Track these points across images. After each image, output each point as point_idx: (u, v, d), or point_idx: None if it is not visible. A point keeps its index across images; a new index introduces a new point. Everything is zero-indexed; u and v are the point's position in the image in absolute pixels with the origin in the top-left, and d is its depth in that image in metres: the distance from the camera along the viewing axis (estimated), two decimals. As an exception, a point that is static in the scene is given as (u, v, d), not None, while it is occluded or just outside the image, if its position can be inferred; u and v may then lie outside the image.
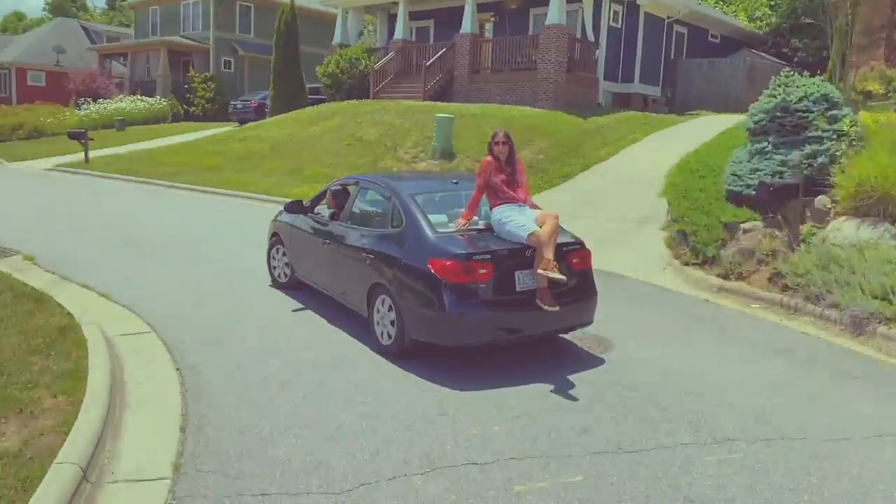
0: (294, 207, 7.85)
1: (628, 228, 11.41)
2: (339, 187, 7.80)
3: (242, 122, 27.85)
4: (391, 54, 23.57)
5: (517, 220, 5.84)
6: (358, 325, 6.73)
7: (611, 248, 10.49)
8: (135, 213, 13.74)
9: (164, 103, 32.76)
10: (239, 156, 19.57)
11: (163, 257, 9.80)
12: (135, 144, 25.42)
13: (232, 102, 30.89)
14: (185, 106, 33.73)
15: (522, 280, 5.75)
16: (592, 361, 6.15)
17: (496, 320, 5.75)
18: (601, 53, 22.27)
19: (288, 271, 8.17)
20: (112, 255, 9.86)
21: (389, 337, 6.07)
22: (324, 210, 7.75)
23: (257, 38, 36.24)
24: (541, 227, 5.73)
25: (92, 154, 23.16)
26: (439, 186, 7.29)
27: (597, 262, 9.85)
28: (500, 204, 6.05)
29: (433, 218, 6.18)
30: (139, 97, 33.13)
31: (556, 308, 5.60)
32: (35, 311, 6.61)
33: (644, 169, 14.96)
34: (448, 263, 5.58)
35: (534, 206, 6.25)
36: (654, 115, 20.99)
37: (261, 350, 6.22)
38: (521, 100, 20.53)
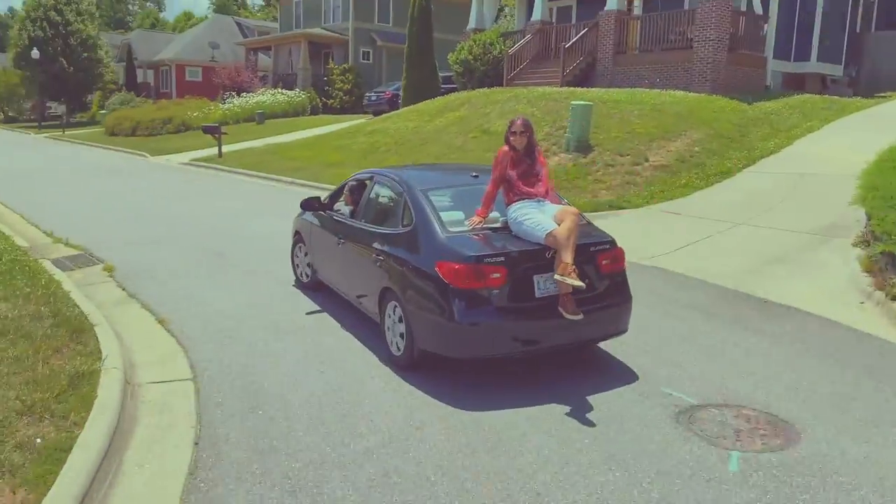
0: (310, 204, 7.39)
1: (807, 243, 9.05)
2: (355, 183, 7.19)
3: (377, 114, 27.16)
4: (527, 37, 21.75)
5: (534, 219, 5.26)
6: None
7: (784, 269, 8.25)
8: (241, 214, 12.93)
9: (303, 96, 32.75)
10: (363, 150, 18.55)
11: (244, 272, 8.71)
12: (270, 138, 25.29)
13: (366, 94, 30.38)
14: (323, 98, 33.62)
15: (542, 285, 5.12)
16: (766, 464, 4.18)
17: (512, 330, 5.10)
18: (770, 28, 19.27)
19: (309, 271, 7.73)
20: (196, 268, 8.89)
21: (400, 347, 5.54)
22: (344, 207, 7.16)
23: (395, 28, 35.53)
24: (559, 224, 5.11)
25: (227, 148, 23.22)
26: (457, 180, 6.52)
27: (765, 289, 7.75)
28: (516, 200, 5.48)
29: (449, 215, 5.62)
30: (279, 90, 33.35)
31: (580, 317, 4.96)
32: (62, 348, 5.56)
33: (825, 165, 12.33)
34: (457, 267, 5.01)
35: (557, 201, 5.66)
36: (836, 98, 17.89)
37: (296, 413, 4.79)
38: (673, 83, 18.11)
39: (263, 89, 34.48)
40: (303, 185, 16.33)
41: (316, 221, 7.45)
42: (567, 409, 4.86)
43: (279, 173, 17.98)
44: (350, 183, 7.28)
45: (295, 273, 8.13)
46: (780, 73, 19.97)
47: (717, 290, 7.77)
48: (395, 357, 5.64)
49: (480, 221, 5.51)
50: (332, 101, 33.64)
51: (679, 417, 4.74)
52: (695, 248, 9.35)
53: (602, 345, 6.02)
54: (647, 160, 13.21)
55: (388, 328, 5.72)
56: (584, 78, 20.13)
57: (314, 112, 32.53)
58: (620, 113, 15.29)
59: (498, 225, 5.54)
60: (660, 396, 5.06)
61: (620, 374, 5.46)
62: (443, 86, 24.97)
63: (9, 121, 54.65)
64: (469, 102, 19.07)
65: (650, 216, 11.13)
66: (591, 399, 5.00)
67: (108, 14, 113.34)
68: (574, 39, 20.05)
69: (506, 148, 5.62)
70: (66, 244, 10.07)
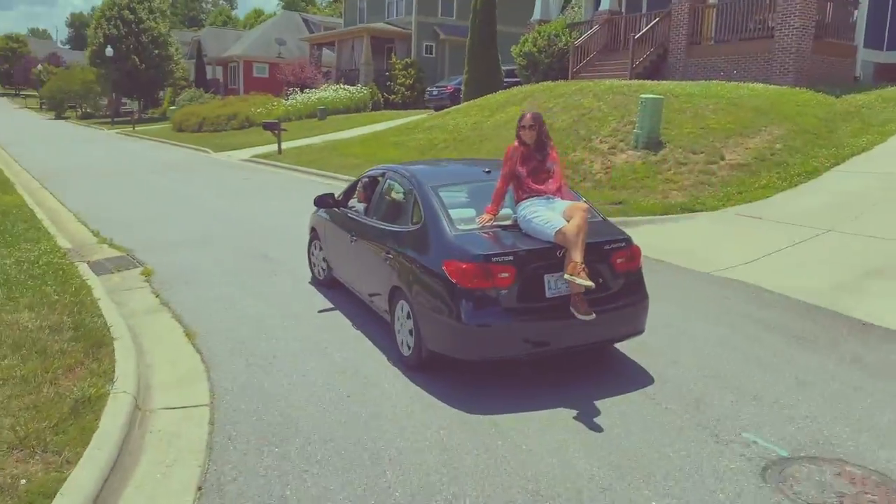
0: (324, 201, 7.33)
1: (911, 254, 8.01)
2: (368, 179, 7.06)
3: (438, 108, 26.63)
4: (595, 28, 20.79)
5: (543, 216, 5.10)
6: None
7: (883, 285, 7.28)
8: (294, 213, 12.47)
9: (365, 91, 32.47)
10: (420, 147, 18.00)
11: (285, 277, 8.23)
12: (330, 134, 25.09)
13: (428, 89, 29.92)
14: (384, 94, 33.28)
15: (553, 284, 4.95)
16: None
17: (521, 331, 4.92)
18: (861, 14, 17.82)
19: (325, 268, 7.63)
20: (238, 272, 8.47)
21: (409, 347, 5.41)
22: (358, 204, 7.03)
23: (459, 21, 34.90)
24: (568, 222, 4.94)
25: (287, 144, 23.08)
26: (469, 176, 6.39)
27: (862, 308, 6.72)
28: (525, 198, 5.32)
29: (461, 213, 5.48)
30: (341, 86, 33.18)
31: (592, 317, 4.76)
32: (75, 367, 5.13)
33: (929, 164, 11.10)
34: (464, 266, 4.86)
35: (572, 197, 5.52)
36: (936, 89, 16.30)
37: (316, 453, 4.20)
38: (751, 75, 16.91)
39: (326, 85, 34.39)
40: (358, 182, 15.88)
41: (331, 218, 7.37)
42: (631, 461, 4.13)
43: (335, 170, 17.59)
44: (363, 179, 7.17)
45: (311, 270, 8.06)
46: (871, 63, 18.45)
47: (805, 308, 6.86)
48: (404, 357, 5.53)
49: (490, 219, 5.34)
50: (393, 96, 33.26)
51: (766, 474, 3.95)
52: (777, 258, 8.42)
53: (667, 375, 5.26)
54: (722, 158, 12.20)
55: (398, 328, 5.61)
56: (654, 70, 19.08)
57: (376, 107, 32.22)
58: (693, 107, 14.26)
59: (509, 223, 5.36)
60: (741, 444, 4.27)
61: (694, 415, 4.68)
62: (506, 79, 24.25)
63: (85, 117, 56.51)
64: (532, 96, 18.28)
65: (726, 220, 10.19)
66: (656, 445, 4.26)
67: (183, 12, 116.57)
68: (644, 30, 19.01)
69: (515, 143, 5.48)
70: (111, 245, 9.82)
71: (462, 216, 5.44)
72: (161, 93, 53.30)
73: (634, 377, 5.29)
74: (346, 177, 16.62)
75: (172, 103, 48.47)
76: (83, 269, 7.99)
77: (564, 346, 5.08)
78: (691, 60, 18.69)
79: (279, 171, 19.42)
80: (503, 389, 5.06)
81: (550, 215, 5.07)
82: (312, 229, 7.99)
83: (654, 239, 9.52)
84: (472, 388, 5.09)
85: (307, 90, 33.63)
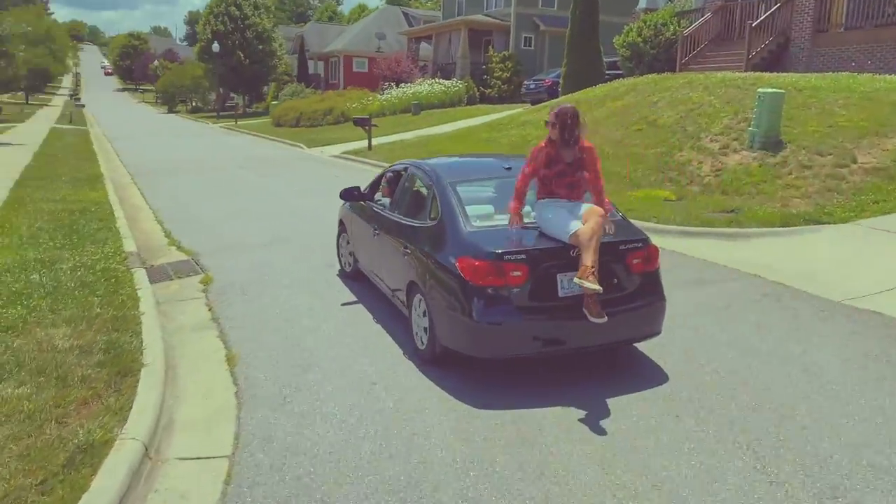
0: (350, 194, 7.25)
1: None
2: (392, 174, 7.03)
3: (534, 103, 25.61)
4: (707, 16, 19.20)
5: (560, 217, 5.02)
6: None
7: None
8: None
9: (460, 85, 31.72)
10: (512, 143, 17.04)
11: (345, 290, 7.51)
12: (423, 130, 24.54)
13: (525, 82, 28.88)
14: (480, 88, 32.44)
15: (566, 284, 4.87)
16: None
17: (533, 330, 4.87)
18: None
19: (352, 261, 7.67)
20: (298, 281, 7.82)
21: (424, 342, 5.41)
22: (384, 199, 6.99)
23: (560, 11, 33.51)
24: (584, 224, 4.86)
25: (379, 140, 22.67)
26: (489, 173, 6.31)
27: None
28: (544, 197, 5.23)
29: (476, 209, 5.43)
30: (437, 80, 32.57)
31: (604, 319, 4.68)
32: (91, 400, 4.55)
33: None
34: (476, 263, 4.84)
35: (608, 204, 5.30)
36: None
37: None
38: (888, 66, 15.02)
39: (422, 79, 33.89)
40: (445, 182, 15.10)
41: (356, 211, 7.40)
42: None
43: (423, 168, 16.92)
44: (387, 174, 7.14)
45: (339, 262, 8.16)
46: None
47: (970, 354, 5.51)
48: (419, 351, 5.52)
49: (518, 218, 5.13)
50: (489, 90, 32.37)
51: None
52: (928, 285, 7.00)
53: (789, 439, 4.14)
54: (854, 161, 10.64)
55: (414, 322, 5.61)
56: (773, 61, 17.37)
57: (471, 102, 31.42)
58: (819, 102, 12.66)
59: (528, 220, 5.25)
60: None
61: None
62: (608, 72, 22.90)
63: (194, 111, 58.65)
64: (635, 90, 16.96)
65: (858, 235, 8.75)
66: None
67: (290, 8, 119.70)
68: (763, 17, 17.34)
69: (542, 143, 5.21)
70: (178, 248, 9.46)
71: (479, 212, 5.40)
72: (265, 87, 54.52)
73: (731, 429, 4.20)
74: (433, 175, 15.92)
75: (275, 98, 49.44)
76: (139, 276, 7.54)
77: (577, 346, 5.01)
78: (817, 50, 16.86)
79: (367, 168, 18.92)
80: (516, 387, 4.99)
81: (567, 216, 4.97)
82: (340, 222, 8.06)
83: (770, 255, 8.25)
84: (485, 385, 5.01)
85: (402, 84, 33.22)
